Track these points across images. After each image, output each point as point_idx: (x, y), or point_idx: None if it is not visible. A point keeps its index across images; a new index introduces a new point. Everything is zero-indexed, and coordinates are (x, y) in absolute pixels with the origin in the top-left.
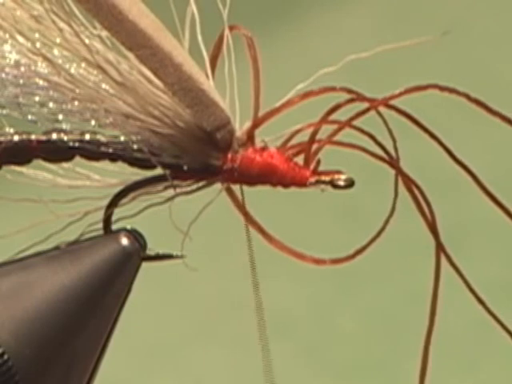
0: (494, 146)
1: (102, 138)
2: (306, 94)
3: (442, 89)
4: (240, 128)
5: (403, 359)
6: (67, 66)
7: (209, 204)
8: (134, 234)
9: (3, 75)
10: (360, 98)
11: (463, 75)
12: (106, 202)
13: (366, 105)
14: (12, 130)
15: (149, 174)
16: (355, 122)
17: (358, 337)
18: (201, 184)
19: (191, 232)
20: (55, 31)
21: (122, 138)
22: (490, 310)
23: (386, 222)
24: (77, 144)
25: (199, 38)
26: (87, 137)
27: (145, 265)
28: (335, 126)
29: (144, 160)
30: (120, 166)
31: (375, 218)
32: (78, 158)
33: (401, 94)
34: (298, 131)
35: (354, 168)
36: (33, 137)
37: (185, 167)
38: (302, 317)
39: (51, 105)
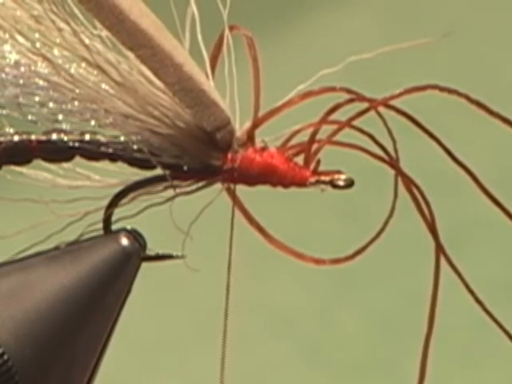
0: (493, 147)
1: (102, 138)
2: (306, 94)
3: (442, 89)
4: (240, 128)
5: (403, 359)
6: (67, 66)
7: (209, 204)
8: (134, 234)
9: (3, 75)
10: (360, 98)
11: (463, 75)
12: (106, 202)
13: (365, 105)
14: (12, 130)
15: (149, 174)
16: (355, 122)
17: (358, 337)
18: (201, 184)
19: (191, 232)
20: (55, 31)
21: (122, 138)
22: (487, 311)
23: (386, 222)
24: (77, 144)
25: (199, 37)
26: (87, 137)
27: (145, 265)
28: (335, 126)
29: (144, 160)
30: (120, 166)
31: (375, 218)
32: (78, 158)
33: (400, 95)
34: (298, 131)
35: (354, 168)
36: (33, 137)
37: (185, 167)
38: (302, 317)
39: (51, 105)
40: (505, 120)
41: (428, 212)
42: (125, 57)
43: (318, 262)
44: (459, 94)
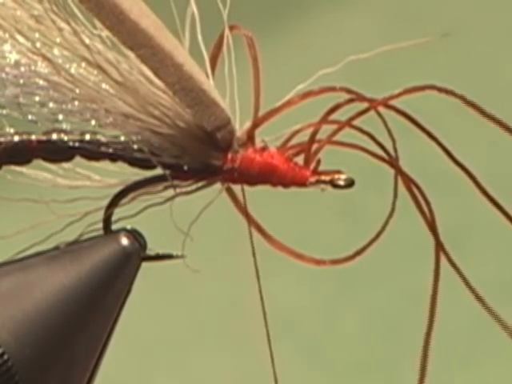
0: (492, 147)
1: (102, 138)
2: (306, 94)
3: (440, 90)
4: (240, 128)
5: (403, 359)
6: (67, 66)
7: (209, 204)
8: (134, 234)
9: (3, 75)
10: (359, 98)
11: (463, 75)
12: (105, 202)
13: (365, 105)
14: (12, 130)
15: (149, 174)
16: (355, 122)
17: (358, 336)
18: (201, 184)
19: (191, 232)
20: (55, 31)
21: (122, 138)
22: (488, 307)
23: (386, 222)
24: (77, 144)
25: (199, 37)
26: (87, 137)
27: (145, 265)
28: (335, 126)
29: (144, 160)
30: (120, 166)
31: (375, 218)
32: (78, 158)
33: (400, 95)
34: (297, 131)
35: (354, 168)
36: (33, 137)
37: (185, 167)
38: (303, 317)
39: (51, 105)
40: (498, 122)
41: (428, 210)
42: (125, 56)
43: (318, 262)
44: (455, 95)
